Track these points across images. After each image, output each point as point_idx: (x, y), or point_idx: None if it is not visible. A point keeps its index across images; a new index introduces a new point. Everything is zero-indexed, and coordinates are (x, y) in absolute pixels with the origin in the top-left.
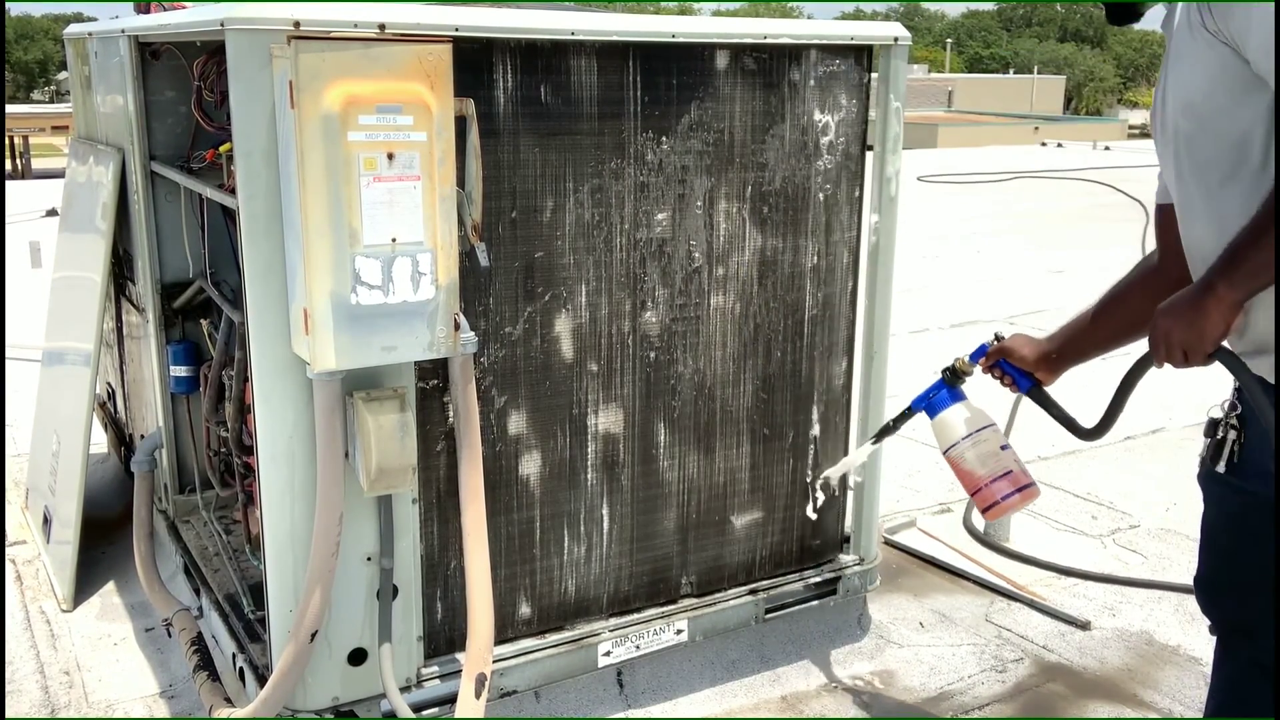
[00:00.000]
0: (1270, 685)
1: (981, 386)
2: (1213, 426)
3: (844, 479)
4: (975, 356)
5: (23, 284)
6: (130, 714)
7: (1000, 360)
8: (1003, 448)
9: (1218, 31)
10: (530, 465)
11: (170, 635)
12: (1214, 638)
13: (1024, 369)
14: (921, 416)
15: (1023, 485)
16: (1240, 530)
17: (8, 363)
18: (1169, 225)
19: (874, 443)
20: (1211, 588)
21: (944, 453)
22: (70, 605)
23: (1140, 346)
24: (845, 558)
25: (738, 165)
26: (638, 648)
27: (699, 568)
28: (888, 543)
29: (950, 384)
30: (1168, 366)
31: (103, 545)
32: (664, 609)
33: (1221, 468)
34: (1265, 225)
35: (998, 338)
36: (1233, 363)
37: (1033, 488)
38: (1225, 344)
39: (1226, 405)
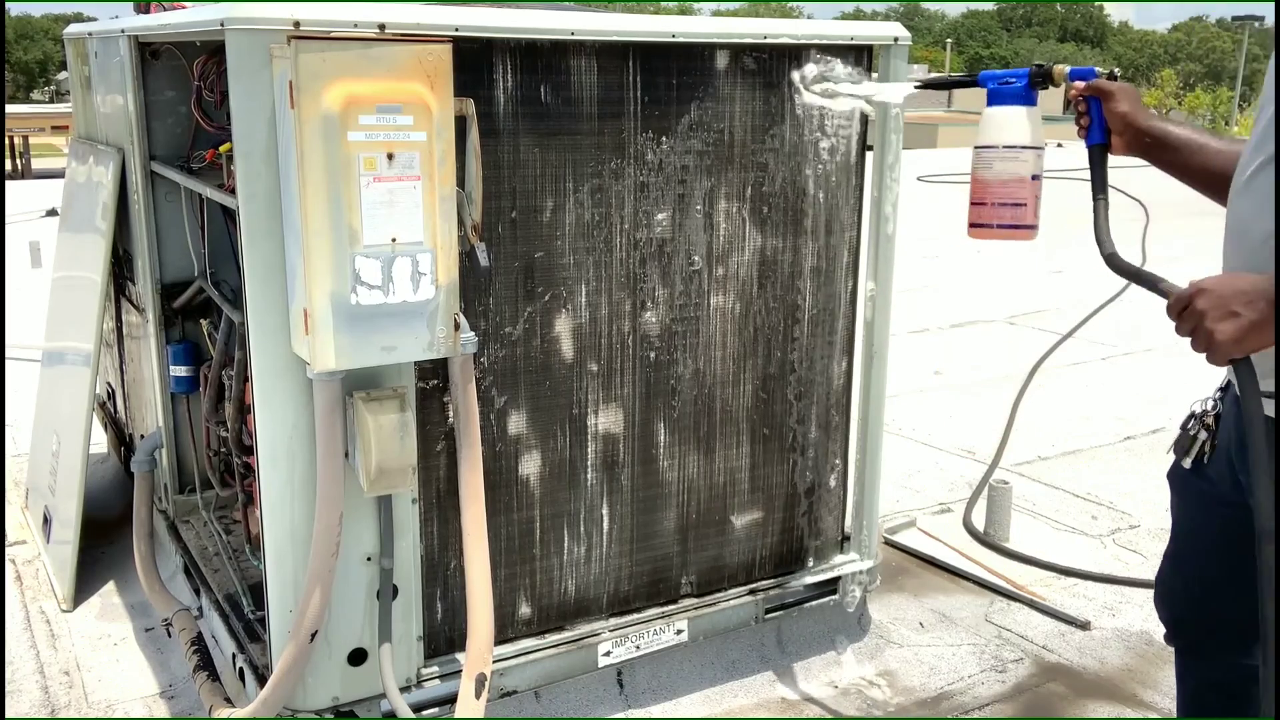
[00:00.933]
0: (1228, 703)
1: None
2: (1187, 423)
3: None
4: (1078, 74)
5: (23, 284)
6: (130, 714)
7: (1094, 98)
8: (1034, 178)
9: None
10: (530, 465)
11: (170, 635)
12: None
13: (1109, 122)
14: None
15: (1026, 224)
16: (1201, 530)
17: (8, 363)
18: None
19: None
20: (1167, 588)
21: (977, 148)
22: (70, 605)
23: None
24: (845, 557)
25: (738, 165)
26: (638, 648)
27: (699, 568)
28: (888, 543)
29: (1032, 84)
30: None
31: (103, 545)
32: (664, 609)
33: (1187, 464)
34: None
35: (1111, 76)
36: (1247, 381)
37: (1034, 230)
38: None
39: (1208, 404)
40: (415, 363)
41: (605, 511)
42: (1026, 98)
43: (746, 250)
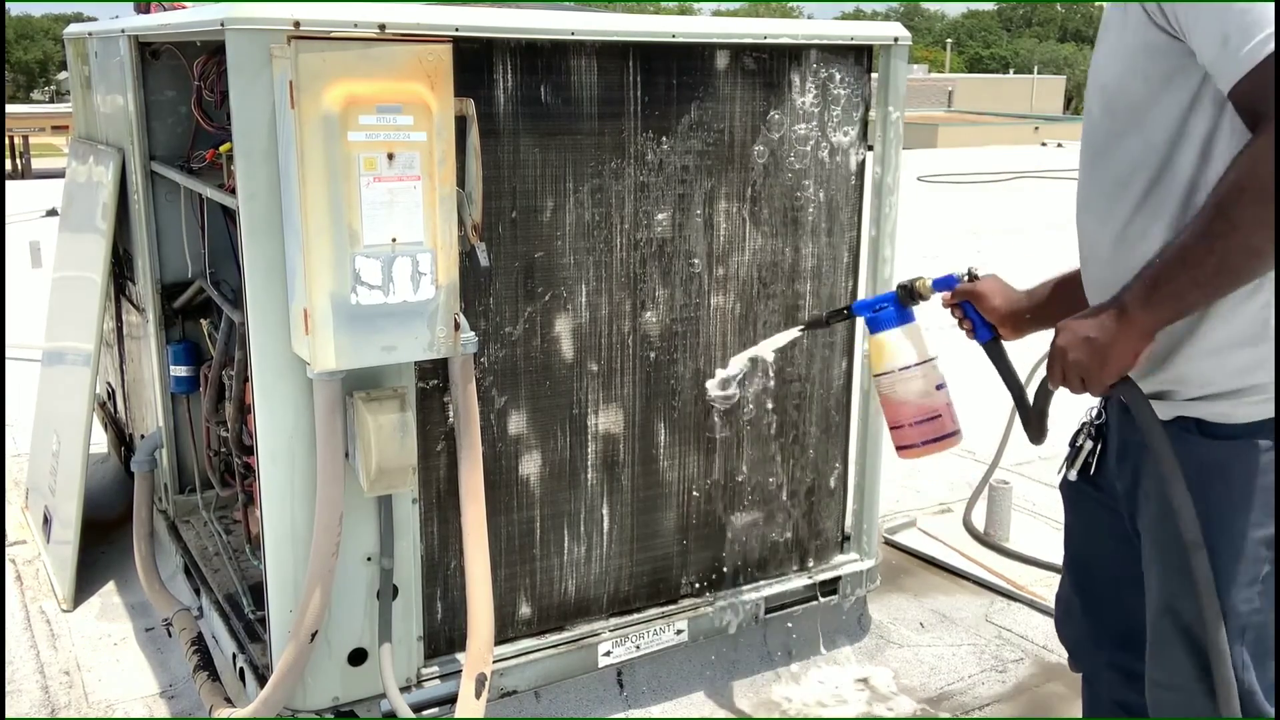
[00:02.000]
0: None
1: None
2: (1077, 435)
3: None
4: (940, 285)
5: (23, 284)
6: (130, 714)
7: (965, 302)
8: (938, 387)
9: (1158, 13)
10: (530, 465)
11: (170, 635)
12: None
13: (990, 319)
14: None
15: (947, 433)
16: (1094, 538)
17: (8, 363)
18: None
19: (801, 330)
20: (1067, 608)
21: (875, 375)
22: (70, 605)
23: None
24: (845, 557)
25: (738, 165)
26: (638, 648)
27: (699, 568)
28: (888, 543)
29: (902, 302)
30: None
31: (103, 545)
32: (664, 609)
33: (1073, 475)
34: (1186, 239)
35: (971, 276)
36: (1135, 398)
37: (956, 436)
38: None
39: (1093, 413)
40: (415, 363)
41: (605, 511)
42: (903, 316)
43: (747, 250)
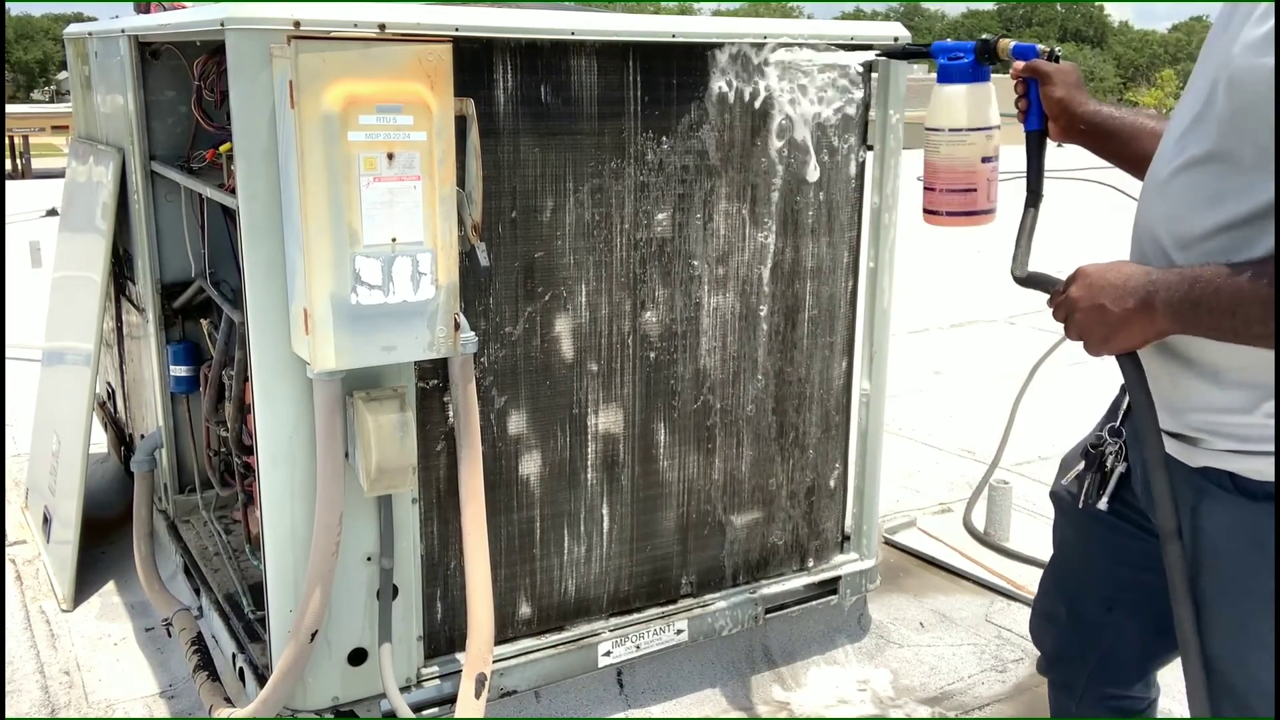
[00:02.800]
0: None
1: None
2: (1094, 457)
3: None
4: (1020, 51)
5: (23, 284)
6: (130, 714)
7: (1032, 80)
8: (985, 160)
9: None
10: (530, 465)
11: (170, 635)
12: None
13: (1046, 106)
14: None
15: (979, 209)
16: (1094, 556)
17: (8, 363)
18: None
19: (878, 54)
20: (1049, 615)
21: (927, 129)
22: (70, 605)
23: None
24: (845, 557)
25: (738, 165)
26: (638, 648)
27: (699, 568)
28: (888, 543)
29: (979, 57)
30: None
31: (103, 545)
32: (664, 609)
33: (1103, 505)
34: (1251, 304)
35: (1052, 57)
36: (1133, 380)
37: (988, 214)
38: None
39: (1109, 430)
40: (415, 363)
41: (605, 511)
42: (975, 74)
43: (747, 250)
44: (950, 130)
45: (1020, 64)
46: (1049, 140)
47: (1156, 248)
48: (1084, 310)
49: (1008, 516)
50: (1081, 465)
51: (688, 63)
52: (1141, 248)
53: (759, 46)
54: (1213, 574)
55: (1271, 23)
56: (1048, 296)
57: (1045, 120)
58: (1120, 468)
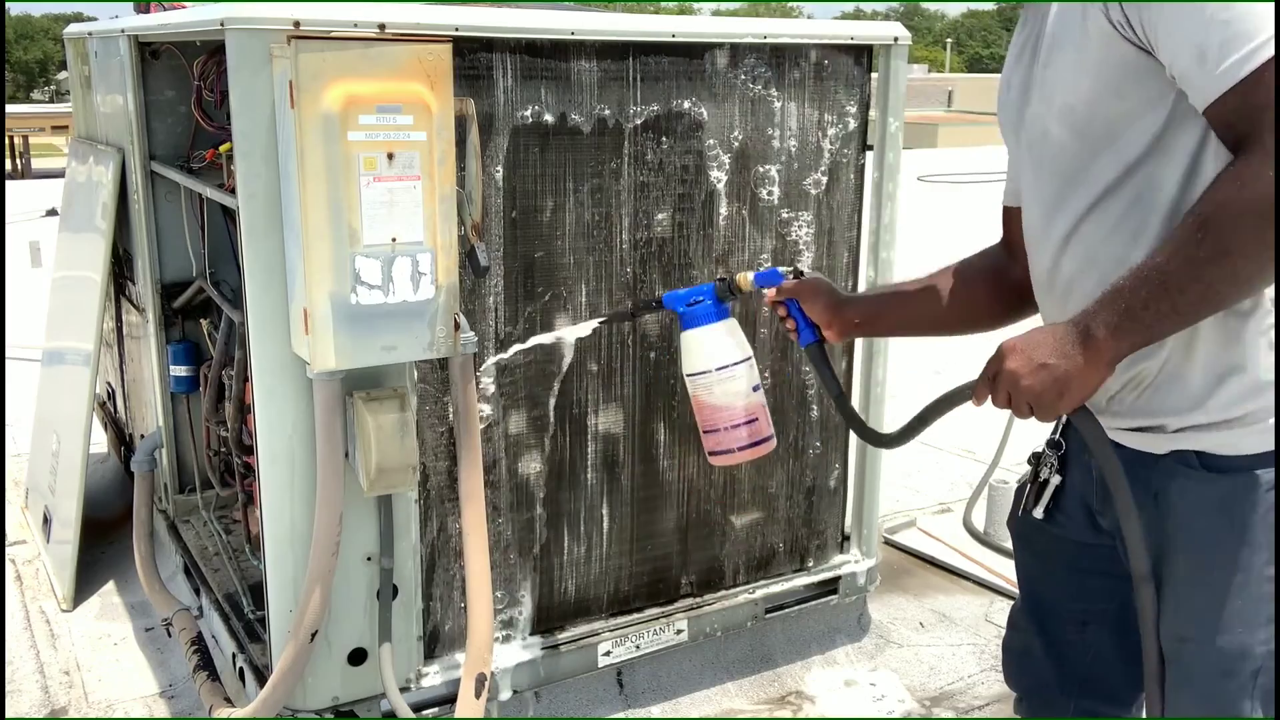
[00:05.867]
0: None
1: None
2: (1037, 470)
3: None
4: (763, 280)
5: (23, 284)
6: (130, 714)
7: (790, 301)
8: (754, 389)
9: (1124, 24)
10: (530, 465)
11: (170, 635)
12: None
13: (814, 318)
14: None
15: (764, 437)
16: (1056, 577)
17: (8, 363)
18: (1017, 226)
19: (600, 322)
20: (1023, 650)
21: (689, 376)
22: (70, 605)
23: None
24: (845, 557)
25: (738, 165)
26: (638, 648)
27: (699, 567)
28: (888, 543)
29: (720, 296)
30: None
31: (103, 545)
32: (664, 609)
33: (1039, 513)
34: (1168, 264)
35: (797, 273)
36: (1088, 425)
37: (770, 441)
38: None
39: (1048, 443)
40: (415, 363)
41: (605, 511)
42: (721, 312)
43: (747, 250)
44: (718, 369)
45: (772, 292)
46: (827, 340)
47: (1065, 288)
48: (1028, 376)
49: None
50: (1024, 478)
51: (688, 63)
52: (1066, 309)
53: (758, 47)
54: (1185, 553)
55: (1070, 52)
56: (967, 401)
57: (818, 330)
58: (1054, 480)
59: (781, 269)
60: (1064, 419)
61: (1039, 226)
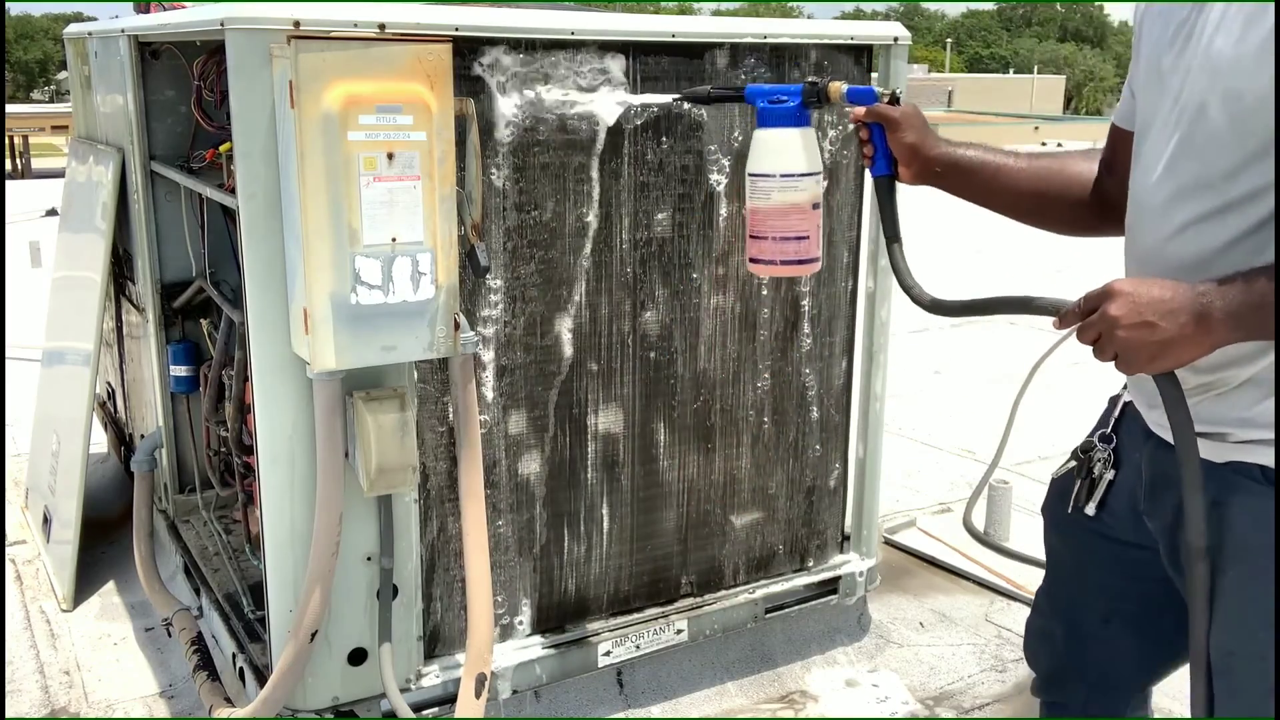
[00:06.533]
0: None
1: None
2: (1084, 463)
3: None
4: (856, 95)
5: (23, 284)
6: (130, 714)
7: (875, 125)
8: (814, 206)
9: None
10: (530, 465)
11: (170, 635)
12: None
13: (896, 151)
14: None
15: (810, 258)
16: (1090, 571)
17: (8, 363)
18: (1124, 148)
19: (676, 99)
20: (1044, 635)
21: (751, 175)
22: (70, 605)
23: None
24: (845, 557)
25: (738, 165)
26: (638, 648)
27: (699, 567)
28: (888, 543)
29: (806, 101)
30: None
31: (103, 545)
32: (664, 609)
33: (1091, 509)
34: None
35: (894, 99)
36: (1174, 399)
37: (816, 263)
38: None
39: (1099, 438)
40: (415, 362)
41: (605, 511)
42: (800, 118)
43: (747, 250)
44: (783, 176)
45: (860, 110)
46: (899, 179)
47: (1167, 270)
48: (1128, 328)
49: (1008, 516)
50: (1071, 471)
51: (688, 63)
52: (1146, 272)
53: (758, 47)
54: (1240, 565)
55: (1263, 31)
56: (1049, 316)
57: (894, 164)
58: (1109, 475)
59: (878, 89)
60: (1118, 411)
61: (1160, 197)
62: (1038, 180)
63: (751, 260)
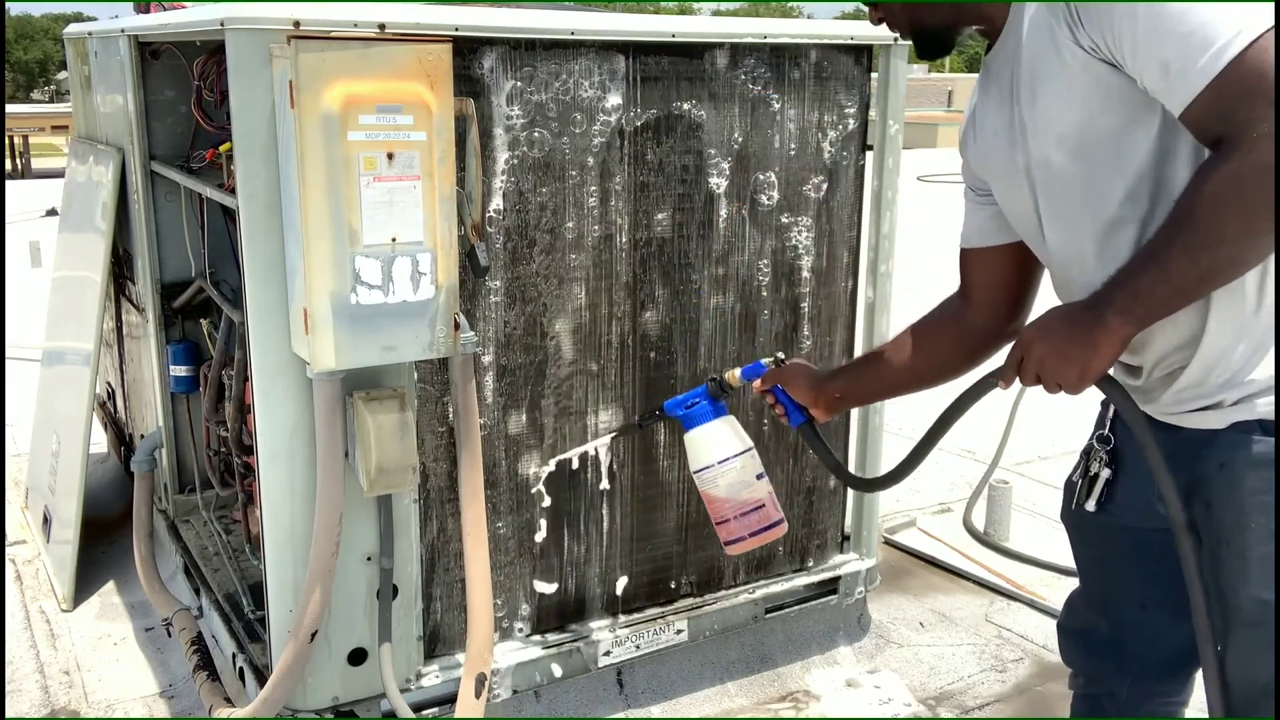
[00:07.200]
0: None
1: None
2: (1085, 462)
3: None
4: (748, 374)
5: (23, 284)
6: (130, 714)
7: (775, 387)
8: (758, 476)
9: (1094, 47)
10: (530, 465)
11: (170, 635)
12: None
13: (800, 401)
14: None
15: (772, 523)
16: (1115, 562)
17: (8, 363)
18: (979, 269)
19: (614, 435)
20: (1087, 631)
21: (695, 473)
22: (70, 605)
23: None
24: (845, 557)
25: (737, 166)
26: (638, 648)
27: (699, 567)
28: (888, 543)
29: (714, 396)
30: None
31: (103, 545)
32: (664, 609)
33: (1091, 506)
34: (1167, 252)
35: (777, 362)
36: (1116, 394)
37: (781, 525)
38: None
39: (1096, 439)
40: (415, 362)
41: (605, 511)
42: (717, 409)
43: (746, 250)
44: (719, 462)
45: (757, 382)
46: (818, 419)
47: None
48: (1050, 359)
49: (1008, 516)
50: (1075, 473)
51: (687, 63)
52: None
53: (758, 47)
54: (1261, 514)
55: (1050, 91)
56: (997, 382)
57: (806, 410)
58: (1105, 473)
59: (764, 360)
60: (1111, 414)
61: (1066, 246)
62: (911, 355)
63: (725, 544)
